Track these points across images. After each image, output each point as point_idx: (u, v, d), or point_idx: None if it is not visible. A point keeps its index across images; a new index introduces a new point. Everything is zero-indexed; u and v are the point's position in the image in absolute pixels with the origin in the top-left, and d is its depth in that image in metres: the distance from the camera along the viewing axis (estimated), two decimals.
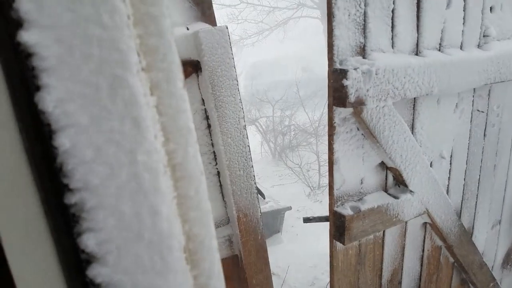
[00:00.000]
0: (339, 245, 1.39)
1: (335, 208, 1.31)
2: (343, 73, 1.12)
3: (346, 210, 1.30)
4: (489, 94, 1.76)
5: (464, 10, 1.48)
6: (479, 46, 1.60)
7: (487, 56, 1.56)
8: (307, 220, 1.42)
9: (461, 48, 1.54)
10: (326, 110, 7.13)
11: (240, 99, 1.34)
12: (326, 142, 6.75)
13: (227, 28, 1.30)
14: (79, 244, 0.40)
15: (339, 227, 1.31)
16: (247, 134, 1.39)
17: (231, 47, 1.31)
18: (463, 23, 1.50)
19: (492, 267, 2.16)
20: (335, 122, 1.22)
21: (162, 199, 0.40)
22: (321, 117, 7.19)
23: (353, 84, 1.13)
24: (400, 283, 1.69)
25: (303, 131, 7.17)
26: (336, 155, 1.25)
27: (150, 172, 0.40)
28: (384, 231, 1.53)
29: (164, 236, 0.41)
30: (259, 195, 1.58)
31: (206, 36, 1.23)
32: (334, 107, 1.19)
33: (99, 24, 0.36)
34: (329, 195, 1.31)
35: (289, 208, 4.33)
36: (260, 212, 1.48)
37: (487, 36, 1.60)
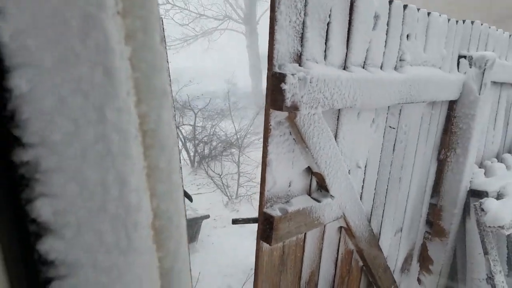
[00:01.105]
0: (265, 246, 1.41)
1: (265, 209, 1.33)
2: (281, 77, 1.16)
3: (275, 211, 1.33)
4: (400, 113, 1.96)
5: (386, 34, 1.64)
6: (395, 68, 1.79)
7: (402, 78, 1.74)
8: (235, 221, 1.42)
9: (381, 68, 1.69)
10: (250, 122, 7.28)
11: (172, 96, 1.30)
12: (248, 154, 6.86)
13: (161, 19, 1.25)
14: (29, 212, 0.33)
15: (267, 227, 1.33)
16: (177, 132, 1.34)
17: (165, 40, 1.27)
18: (385, 46, 1.66)
19: (393, 271, 2.38)
20: (270, 125, 1.24)
21: (132, 168, 0.35)
22: (247, 128, 7.30)
23: (290, 89, 1.17)
24: (316, 285, 1.77)
25: (225, 141, 7.19)
26: (269, 157, 1.28)
27: (120, 134, 0.34)
28: (305, 234, 1.59)
29: (131, 210, 0.35)
30: (186, 198, 1.53)
31: None
32: (271, 110, 1.22)
33: None
34: (260, 196, 1.32)
35: (207, 217, 4.29)
36: (186, 217, 1.44)
37: (402, 60, 1.79)
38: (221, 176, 6.21)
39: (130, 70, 0.36)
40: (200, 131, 7.49)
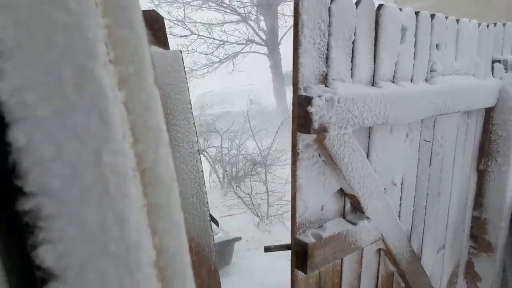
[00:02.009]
0: (300, 274, 1.35)
1: (297, 236, 1.29)
2: (308, 100, 1.13)
3: (308, 237, 1.28)
4: (434, 125, 1.87)
5: (415, 46, 1.58)
6: (426, 80, 1.72)
7: (434, 90, 1.66)
8: (268, 249, 1.38)
9: (411, 81, 1.63)
10: (274, 140, 7.26)
11: (194, 123, 1.30)
12: (275, 172, 6.81)
13: (181, 52, 1.27)
14: (34, 259, 0.33)
15: (301, 255, 1.28)
16: (200, 159, 1.33)
17: (185, 71, 1.28)
18: (414, 58, 1.60)
19: None
20: (298, 149, 1.21)
21: (131, 206, 0.35)
22: (270, 146, 7.28)
23: (317, 111, 1.13)
24: None
25: (252, 160, 7.18)
26: (299, 181, 1.24)
27: (117, 176, 0.34)
28: (342, 259, 1.53)
29: (132, 248, 0.35)
30: (212, 222, 1.51)
31: (159, 58, 1.18)
32: (298, 133, 1.19)
33: (64, 8, 0.32)
34: (292, 222, 1.28)
35: (239, 239, 4.24)
36: (213, 241, 1.41)
37: (433, 71, 1.72)
38: (251, 196, 6.18)
39: (125, 113, 0.37)
40: (227, 151, 7.54)
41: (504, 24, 2.25)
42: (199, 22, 11.79)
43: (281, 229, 5.47)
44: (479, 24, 2.02)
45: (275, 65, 11.44)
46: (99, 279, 0.34)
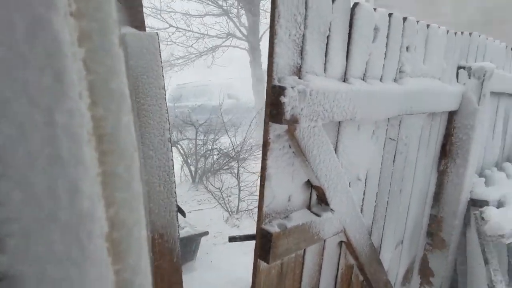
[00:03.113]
0: (262, 264, 1.37)
1: (263, 226, 1.30)
2: (281, 90, 1.14)
3: (273, 227, 1.30)
4: (399, 125, 1.94)
5: (386, 46, 1.63)
6: (395, 80, 1.77)
7: (402, 90, 1.72)
8: (232, 239, 1.38)
9: (381, 80, 1.68)
10: (248, 134, 7.24)
11: (166, 110, 1.27)
12: (247, 167, 6.80)
13: (157, 34, 1.23)
14: None
15: (265, 245, 1.30)
16: (171, 147, 1.31)
17: (160, 55, 1.25)
18: (385, 58, 1.65)
19: (394, 284, 2.34)
20: (270, 138, 1.22)
21: (84, 174, 0.33)
22: (243, 142, 7.25)
23: (289, 102, 1.15)
24: None
25: (226, 155, 7.13)
26: (268, 171, 1.25)
27: (71, 138, 0.32)
28: (304, 250, 1.56)
29: (83, 218, 0.33)
30: (179, 213, 1.48)
31: (134, 39, 1.15)
32: (270, 123, 1.19)
33: None
34: (258, 212, 1.29)
35: (206, 233, 4.21)
36: (179, 233, 1.40)
37: (402, 72, 1.78)
38: (221, 191, 6.14)
39: (84, 72, 0.34)
40: (201, 145, 7.45)
41: (470, 33, 2.36)
42: (178, 12, 11.52)
43: (250, 224, 5.49)
44: (448, 31, 2.10)
45: (255, 61, 11.39)
46: (44, 249, 0.32)
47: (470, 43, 2.36)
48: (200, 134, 7.48)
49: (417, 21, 1.82)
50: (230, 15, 11.66)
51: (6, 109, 0.30)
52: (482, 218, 2.39)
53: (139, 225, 0.39)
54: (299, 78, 1.25)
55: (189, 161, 7.36)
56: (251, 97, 12.14)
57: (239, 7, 11.30)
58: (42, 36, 0.30)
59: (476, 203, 2.54)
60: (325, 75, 1.37)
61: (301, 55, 1.25)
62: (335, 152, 1.53)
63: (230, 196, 6.19)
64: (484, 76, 2.27)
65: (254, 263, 1.35)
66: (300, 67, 1.26)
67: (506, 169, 3.04)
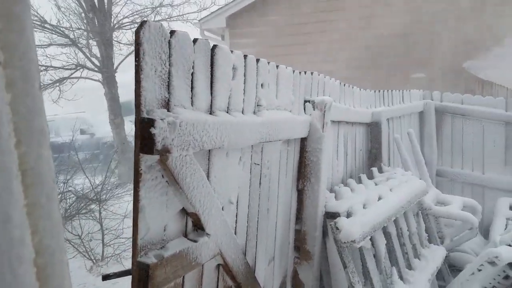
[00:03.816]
0: None
1: (139, 259, 1.29)
2: (150, 122, 1.20)
3: (150, 258, 1.30)
4: (262, 151, 2.18)
5: (244, 83, 1.85)
6: (254, 112, 2.01)
7: (260, 121, 1.96)
8: (106, 277, 1.33)
9: (242, 112, 1.88)
10: (110, 172, 6.77)
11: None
12: (110, 208, 6.32)
13: None
14: None
15: (142, 277, 1.29)
16: None
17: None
18: (244, 93, 1.87)
19: None
20: (141, 169, 1.25)
21: (15, 205, 0.36)
22: (104, 181, 6.71)
23: (160, 133, 1.21)
24: None
25: (83, 197, 6.46)
26: (142, 202, 1.27)
27: (3, 174, 0.35)
28: (183, 277, 1.59)
29: (14, 245, 0.36)
30: None
31: None
32: (141, 154, 1.23)
33: None
34: (133, 245, 1.29)
35: None
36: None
37: (260, 105, 2.03)
38: (81, 238, 5.54)
39: (11, 114, 0.38)
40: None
41: (312, 73, 2.83)
42: None
43: (119, 270, 5.08)
44: (294, 71, 2.49)
45: (111, 93, 10.79)
46: None
47: (312, 80, 2.83)
48: None
49: (268, 62, 2.12)
50: (79, 45, 10.99)
51: None
52: (337, 228, 2.79)
53: (60, 250, 0.42)
54: (168, 110, 1.34)
55: None
56: (108, 131, 11.43)
57: (90, 37, 10.79)
58: None
59: (330, 215, 2.95)
60: (193, 108, 1.49)
61: (169, 89, 1.34)
62: (208, 178, 1.63)
63: (91, 241, 5.64)
64: (325, 107, 2.74)
65: None
66: (169, 100, 1.35)
67: (349, 184, 3.63)
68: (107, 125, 11.21)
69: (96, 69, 10.92)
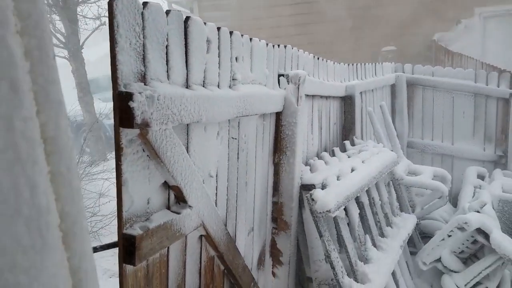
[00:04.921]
0: (128, 269, 1.38)
1: (124, 231, 1.32)
2: (129, 96, 1.20)
3: (135, 230, 1.33)
4: (238, 125, 2.21)
5: (219, 57, 1.85)
6: (230, 86, 2.02)
7: (237, 95, 1.98)
8: (93, 250, 1.35)
9: (218, 86, 1.89)
10: (83, 151, 6.64)
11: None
12: (85, 187, 6.24)
13: None
14: None
15: (129, 248, 1.32)
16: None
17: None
18: (219, 67, 1.87)
19: (251, 269, 2.60)
20: (122, 143, 1.26)
21: (40, 172, 0.38)
22: (78, 159, 6.60)
23: (139, 107, 1.22)
24: None
25: None
26: (124, 176, 1.28)
27: (27, 142, 0.38)
28: (168, 249, 1.63)
29: (42, 211, 0.38)
30: None
31: None
32: (121, 128, 1.23)
33: None
34: (118, 218, 1.31)
35: None
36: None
37: (235, 79, 2.05)
38: None
39: (30, 83, 0.40)
40: None
41: (285, 46, 2.85)
42: None
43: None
44: (267, 44, 2.50)
45: (79, 70, 10.36)
46: (14, 242, 0.36)
47: (285, 54, 2.85)
48: None
49: (242, 35, 2.12)
50: None
51: None
52: (312, 199, 2.90)
53: (81, 216, 0.45)
54: (145, 84, 1.33)
55: None
56: (78, 109, 11.10)
57: (53, 12, 10.26)
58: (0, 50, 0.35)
59: (306, 187, 3.05)
60: (169, 82, 1.49)
61: (144, 62, 1.33)
62: (188, 152, 1.65)
63: None
64: (299, 81, 2.78)
65: (119, 270, 1.35)
66: (145, 74, 1.34)
67: (323, 157, 3.74)
68: (75, 103, 10.82)
69: (61, 45, 10.42)
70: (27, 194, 0.38)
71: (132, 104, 1.19)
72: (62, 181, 0.44)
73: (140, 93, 1.23)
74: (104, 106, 9.71)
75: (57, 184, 0.44)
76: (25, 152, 0.38)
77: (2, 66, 0.36)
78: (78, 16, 10.47)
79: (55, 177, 0.43)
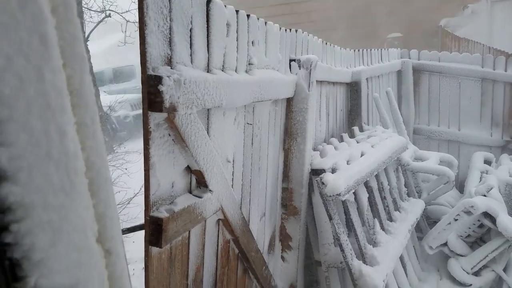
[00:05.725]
0: (153, 251, 1.40)
1: (152, 213, 1.33)
2: (158, 79, 1.19)
3: (162, 213, 1.34)
4: (253, 111, 2.21)
5: (237, 40, 1.84)
6: (246, 71, 2.01)
7: (253, 80, 1.97)
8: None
9: (236, 71, 1.88)
10: None
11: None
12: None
13: None
14: None
15: (156, 230, 1.33)
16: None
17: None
18: (237, 51, 1.86)
19: (262, 253, 2.64)
20: (150, 127, 1.26)
21: (68, 120, 0.40)
22: None
23: (167, 90, 1.21)
24: (202, 279, 1.84)
25: None
26: (152, 160, 1.29)
27: (56, 91, 0.40)
28: (189, 233, 1.64)
29: (70, 157, 0.40)
30: None
31: None
32: (150, 112, 1.23)
33: None
34: (145, 200, 1.32)
35: None
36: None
37: (251, 64, 2.03)
38: None
39: (57, 37, 0.41)
40: None
41: (296, 30, 2.82)
42: None
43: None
44: (280, 28, 2.48)
45: None
46: (45, 182, 0.38)
47: (296, 38, 2.83)
48: None
49: (258, 18, 2.10)
50: None
51: (9, 63, 0.34)
52: (322, 183, 2.92)
53: (105, 167, 0.46)
54: (171, 68, 1.33)
55: None
56: None
57: None
58: (30, 5, 0.36)
59: (316, 172, 3.07)
60: (192, 66, 1.48)
61: (170, 46, 1.32)
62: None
63: None
64: (311, 66, 2.76)
65: (145, 251, 1.37)
66: (171, 57, 1.33)
67: (332, 142, 3.75)
68: None
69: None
70: (57, 140, 0.40)
71: (161, 88, 1.19)
72: (87, 132, 0.46)
73: (168, 76, 1.22)
74: (110, 98, 9.72)
75: (83, 134, 0.46)
76: (54, 101, 0.40)
77: (33, 18, 0.38)
78: (83, 8, 10.36)
79: (80, 128, 0.45)
